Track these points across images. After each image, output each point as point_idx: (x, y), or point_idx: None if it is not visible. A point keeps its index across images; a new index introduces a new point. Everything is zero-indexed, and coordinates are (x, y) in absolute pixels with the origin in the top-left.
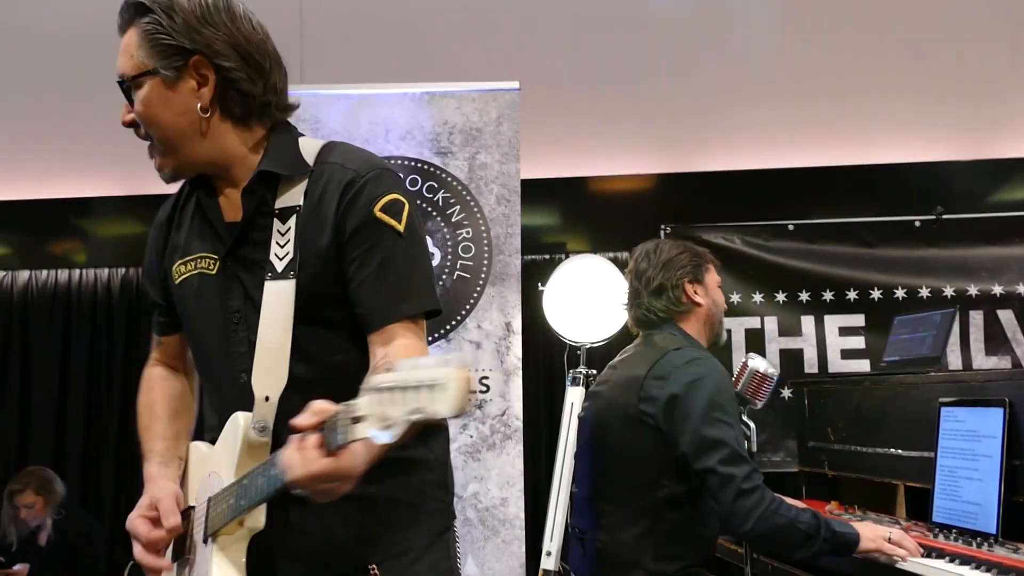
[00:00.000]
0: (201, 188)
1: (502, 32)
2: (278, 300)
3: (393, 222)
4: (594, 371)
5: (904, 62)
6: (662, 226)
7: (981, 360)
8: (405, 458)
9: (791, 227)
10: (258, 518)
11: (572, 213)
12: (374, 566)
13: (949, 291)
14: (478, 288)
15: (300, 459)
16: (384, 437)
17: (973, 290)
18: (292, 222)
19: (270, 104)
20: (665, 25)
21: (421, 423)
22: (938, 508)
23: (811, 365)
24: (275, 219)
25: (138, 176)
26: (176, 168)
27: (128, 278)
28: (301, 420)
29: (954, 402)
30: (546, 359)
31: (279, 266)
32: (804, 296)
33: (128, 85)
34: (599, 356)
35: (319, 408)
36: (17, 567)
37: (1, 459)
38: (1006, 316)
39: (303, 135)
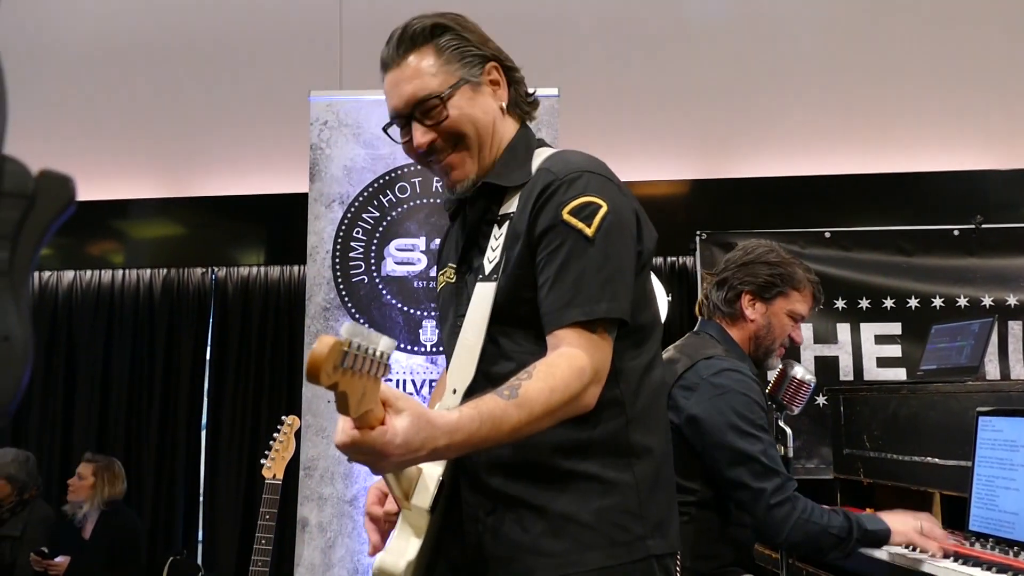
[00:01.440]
0: (457, 203)
1: (541, 38)
2: (481, 301)
3: (581, 225)
4: None
5: (944, 70)
6: (697, 232)
7: (1020, 370)
8: (596, 475)
9: (828, 234)
10: (425, 497)
11: None
12: None
13: (988, 300)
14: None
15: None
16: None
17: (1012, 300)
18: (505, 228)
19: (527, 104)
20: (702, 32)
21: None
22: (975, 517)
23: (846, 373)
24: (495, 227)
25: (177, 178)
26: (479, 173)
27: (169, 279)
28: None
29: (992, 411)
30: None
31: (487, 269)
32: (840, 304)
33: (436, 102)
34: None
35: None
36: (59, 559)
37: (45, 455)
38: None
39: (543, 142)
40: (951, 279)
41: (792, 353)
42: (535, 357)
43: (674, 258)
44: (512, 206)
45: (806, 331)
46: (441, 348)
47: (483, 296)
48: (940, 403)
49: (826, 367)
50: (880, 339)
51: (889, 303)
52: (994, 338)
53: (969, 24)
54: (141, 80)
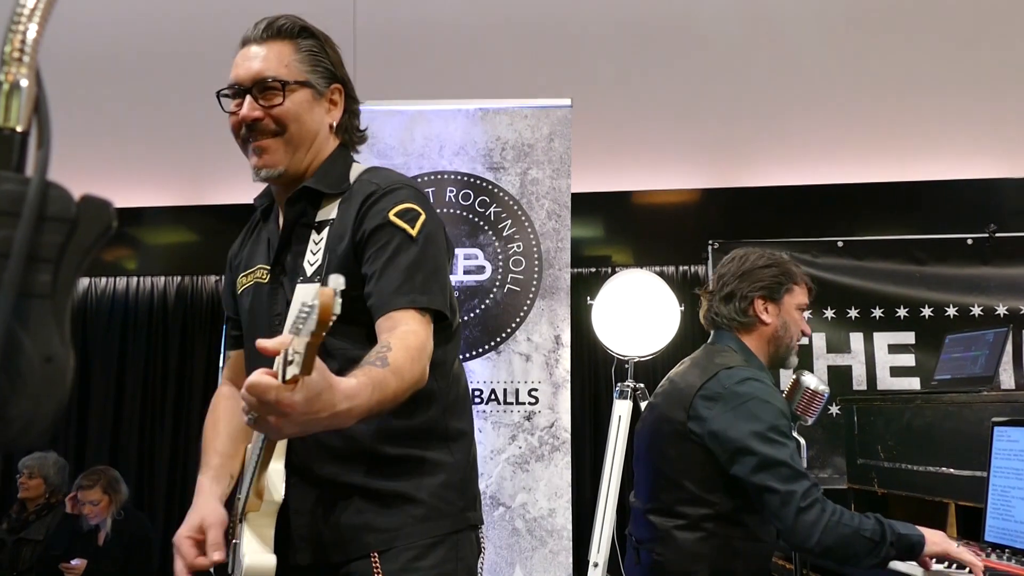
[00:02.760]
0: (264, 208)
1: (554, 49)
2: None
3: (406, 226)
4: (641, 384)
5: (957, 78)
6: (709, 241)
7: None
8: (422, 457)
9: (840, 243)
10: (274, 492)
11: (619, 227)
12: (375, 554)
13: (1002, 310)
14: (528, 301)
15: (256, 379)
16: (294, 369)
17: None
18: (325, 233)
19: (357, 135)
20: (713, 42)
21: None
22: (991, 528)
23: (859, 382)
24: (312, 231)
25: (191, 187)
26: (287, 168)
27: (183, 287)
28: (266, 344)
29: (1007, 422)
30: (593, 372)
31: (308, 271)
32: (853, 313)
33: (277, 85)
34: (646, 370)
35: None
36: (75, 562)
37: None
38: None
39: (356, 161)
40: (965, 288)
41: (805, 362)
42: (359, 353)
43: (686, 267)
44: (331, 212)
45: (819, 340)
46: None
47: None
48: (955, 413)
49: (839, 377)
50: (893, 348)
51: (902, 312)
52: (1009, 347)
53: (981, 32)
54: (154, 88)
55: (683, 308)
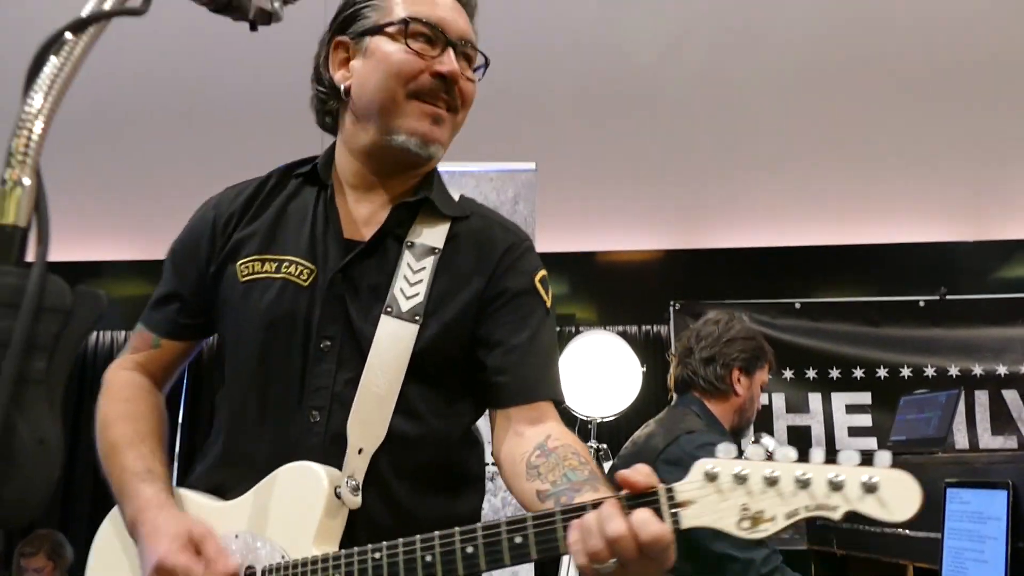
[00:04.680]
0: (313, 187)
1: (520, 114)
2: (394, 342)
3: (547, 298)
4: (604, 445)
5: (909, 143)
6: (671, 302)
7: (987, 439)
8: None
9: (797, 305)
10: None
11: (582, 286)
12: None
13: (954, 371)
14: None
15: (646, 521)
16: (751, 534)
17: (978, 370)
18: (428, 263)
19: None
20: (676, 107)
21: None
22: None
23: (819, 442)
24: (407, 251)
25: (152, 240)
26: (440, 156)
27: None
28: (635, 477)
29: (959, 483)
30: None
31: (404, 305)
32: (811, 373)
33: (480, 59)
34: (608, 430)
35: (648, 471)
36: None
37: None
38: (1011, 396)
39: None
40: (918, 349)
41: (765, 422)
42: (443, 421)
43: (648, 327)
44: (434, 238)
45: (778, 401)
46: None
47: (397, 337)
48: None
49: (798, 437)
50: (851, 408)
51: (859, 373)
52: (962, 407)
53: (935, 99)
54: (113, 142)
55: (645, 369)
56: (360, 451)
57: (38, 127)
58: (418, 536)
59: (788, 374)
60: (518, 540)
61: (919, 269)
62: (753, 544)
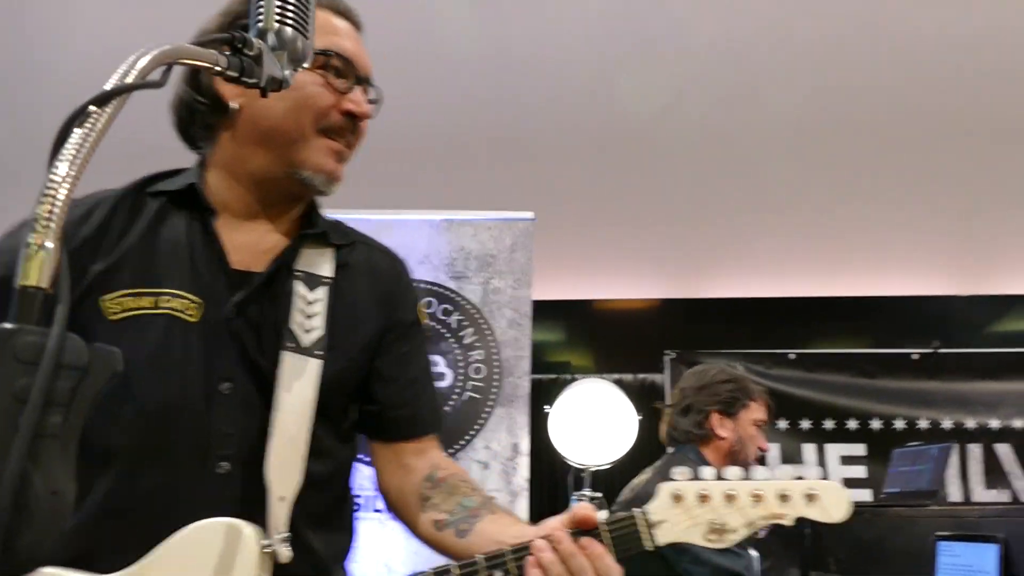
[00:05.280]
0: (182, 210)
1: (519, 162)
2: (299, 379)
3: (424, 323)
4: (599, 494)
5: (906, 197)
6: (666, 351)
7: (980, 493)
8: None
9: (792, 356)
10: None
11: (579, 334)
12: None
13: (947, 423)
14: (487, 409)
15: (604, 559)
16: (717, 544)
17: (971, 423)
18: (321, 294)
19: None
20: (674, 159)
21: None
22: None
23: None
24: (297, 282)
25: None
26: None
27: None
28: (590, 514)
29: (950, 536)
30: (551, 481)
31: (304, 339)
32: (805, 424)
33: (375, 96)
34: (604, 479)
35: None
36: None
37: None
38: (1004, 450)
39: None
40: (912, 402)
41: None
42: (345, 456)
43: (644, 375)
44: (322, 268)
45: (773, 451)
46: None
47: (301, 374)
48: (902, 527)
49: None
50: (846, 460)
51: (853, 424)
52: (955, 461)
53: (931, 156)
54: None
55: (641, 418)
56: (282, 499)
57: (62, 194)
58: None
59: (783, 424)
60: (498, 575)
61: (913, 322)
62: None
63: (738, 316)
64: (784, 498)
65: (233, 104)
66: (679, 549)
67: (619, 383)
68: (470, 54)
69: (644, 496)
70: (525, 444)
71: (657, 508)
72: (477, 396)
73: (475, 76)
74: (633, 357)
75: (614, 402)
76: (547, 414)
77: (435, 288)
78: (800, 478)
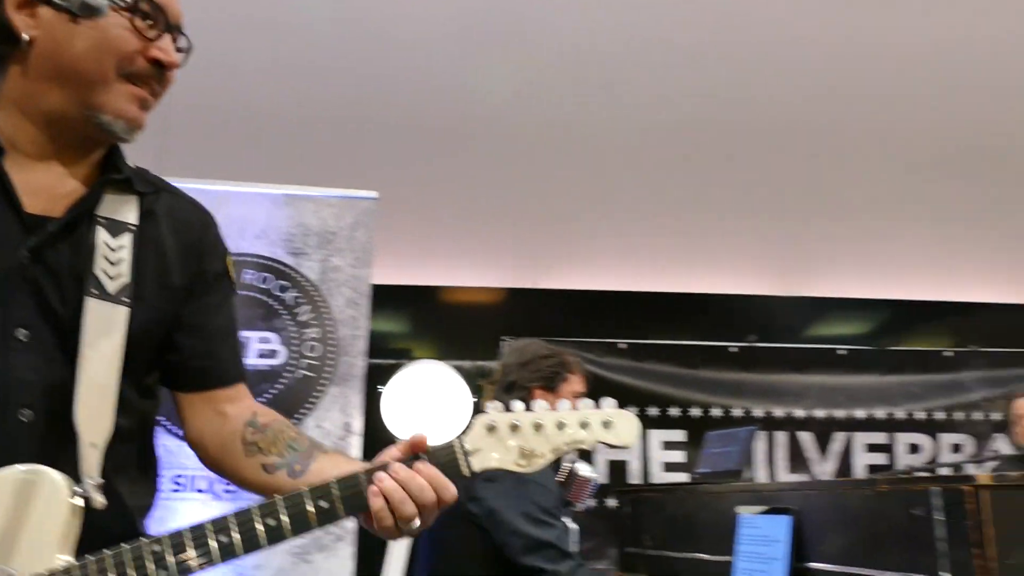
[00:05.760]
0: None
1: (365, 141)
2: (106, 326)
3: (235, 280)
4: None
5: (730, 204)
6: (503, 338)
7: (784, 476)
8: None
9: (623, 346)
10: None
11: (420, 321)
12: None
13: (759, 412)
14: (320, 387)
15: (440, 478)
16: (527, 468)
17: (779, 412)
18: (126, 241)
19: None
20: (524, 150)
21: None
22: None
23: (636, 476)
24: (100, 228)
25: None
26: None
27: None
28: (422, 438)
29: (750, 510)
30: None
31: (109, 286)
32: (631, 411)
33: (185, 45)
34: None
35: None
36: None
37: None
38: (805, 437)
39: None
40: (728, 392)
41: (586, 457)
42: (150, 407)
43: (482, 362)
44: (125, 215)
45: None
46: None
47: (107, 321)
48: (710, 503)
49: (617, 471)
50: (667, 445)
51: (675, 412)
52: (763, 446)
53: (757, 163)
54: None
55: (476, 399)
56: (93, 445)
57: None
58: (208, 521)
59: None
60: (324, 505)
61: (734, 318)
62: (559, 556)
63: (574, 307)
64: (584, 425)
65: (25, 36)
66: (497, 521)
67: (458, 369)
68: (321, 25)
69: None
70: (358, 424)
71: (472, 438)
72: (311, 374)
73: (326, 48)
74: (472, 344)
75: (448, 383)
76: (382, 395)
77: (272, 263)
78: (599, 407)
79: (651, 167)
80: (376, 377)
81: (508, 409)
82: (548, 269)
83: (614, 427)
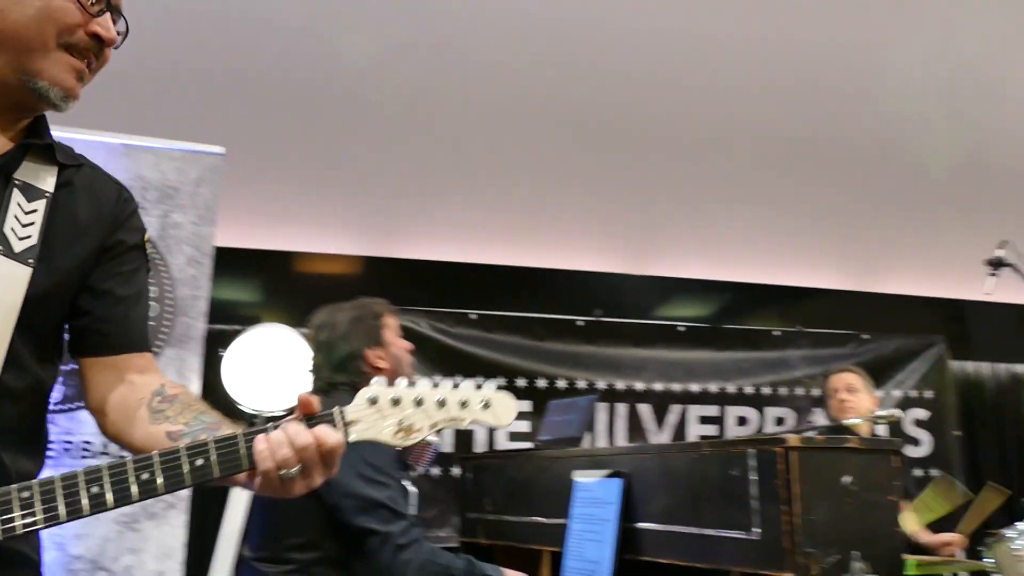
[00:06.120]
0: None
1: (214, 95)
2: (5, 284)
3: (148, 259)
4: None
5: (580, 184)
6: None
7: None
8: None
9: (474, 316)
10: None
11: (270, 286)
12: None
13: (601, 384)
14: (156, 348)
15: (327, 432)
16: (405, 441)
17: (620, 385)
18: (40, 206)
19: None
20: (382, 116)
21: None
22: (567, 568)
23: (481, 446)
24: (16, 190)
25: None
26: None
27: None
28: (314, 401)
29: (584, 474)
30: None
31: (16, 245)
32: (480, 381)
33: (123, 24)
34: None
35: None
36: None
37: None
38: (644, 409)
39: None
40: (574, 364)
41: None
42: (45, 373)
43: None
44: (42, 182)
45: None
46: None
47: (9, 279)
48: (548, 468)
49: (463, 439)
50: None
51: (521, 382)
52: (605, 417)
53: (603, 148)
54: None
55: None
56: None
57: None
58: (81, 471)
59: (460, 380)
60: (199, 462)
61: (581, 294)
62: (392, 517)
63: (426, 277)
64: (464, 404)
65: None
66: (330, 483)
67: (307, 337)
68: None
69: None
70: (195, 387)
71: (353, 409)
72: None
73: None
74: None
75: (291, 348)
76: (222, 358)
77: None
78: (480, 388)
79: (507, 142)
80: (221, 342)
81: (392, 384)
82: (402, 238)
83: (492, 408)
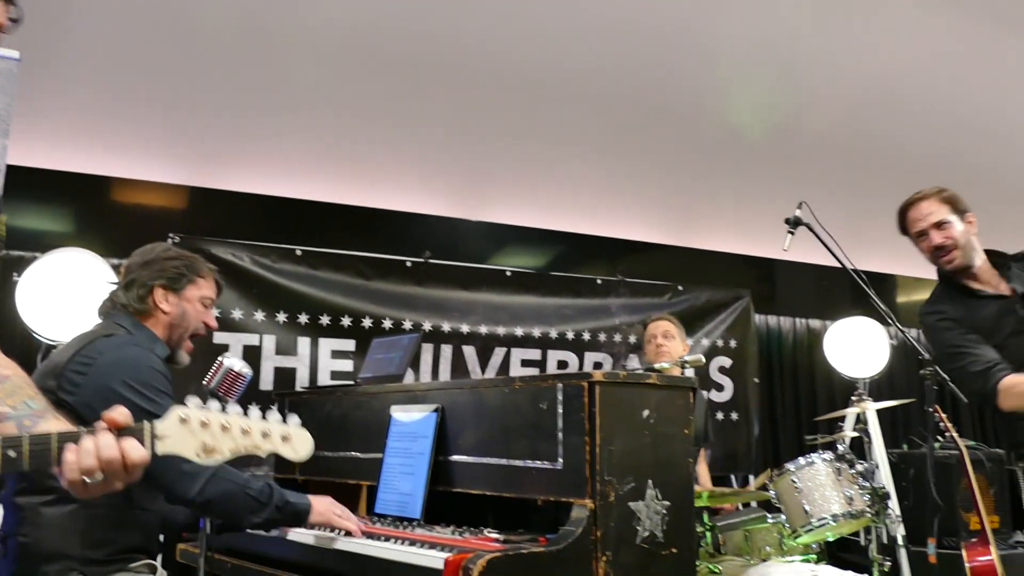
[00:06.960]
0: None
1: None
2: None
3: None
4: None
5: (417, 126)
6: (170, 235)
7: None
8: None
9: (299, 252)
10: None
11: (81, 213)
12: None
13: (428, 325)
14: None
15: (133, 447)
16: (205, 461)
17: (446, 326)
18: None
19: None
20: (212, 39)
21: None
22: (380, 501)
23: (303, 383)
24: None
25: None
26: None
27: None
28: (121, 417)
29: (400, 409)
30: (22, 359)
31: None
32: (303, 318)
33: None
34: None
35: (128, 414)
36: None
37: None
38: (469, 351)
39: None
40: (401, 304)
41: (253, 362)
42: None
43: None
44: None
45: (269, 342)
46: None
47: None
48: (365, 403)
49: (284, 378)
50: (336, 354)
51: (347, 321)
52: (430, 358)
53: (447, 88)
54: None
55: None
56: None
57: None
58: None
59: (282, 317)
60: (12, 455)
61: (411, 235)
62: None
63: (252, 210)
64: (266, 435)
65: None
66: (92, 396)
67: (118, 268)
68: None
69: (58, 359)
70: None
71: (164, 426)
72: None
73: None
74: (136, 240)
75: (93, 274)
76: (16, 283)
77: None
78: (285, 422)
79: (344, 77)
80: (16, 268)
81: (204, 405)
82: (228, 170)
83: (291, 442)
